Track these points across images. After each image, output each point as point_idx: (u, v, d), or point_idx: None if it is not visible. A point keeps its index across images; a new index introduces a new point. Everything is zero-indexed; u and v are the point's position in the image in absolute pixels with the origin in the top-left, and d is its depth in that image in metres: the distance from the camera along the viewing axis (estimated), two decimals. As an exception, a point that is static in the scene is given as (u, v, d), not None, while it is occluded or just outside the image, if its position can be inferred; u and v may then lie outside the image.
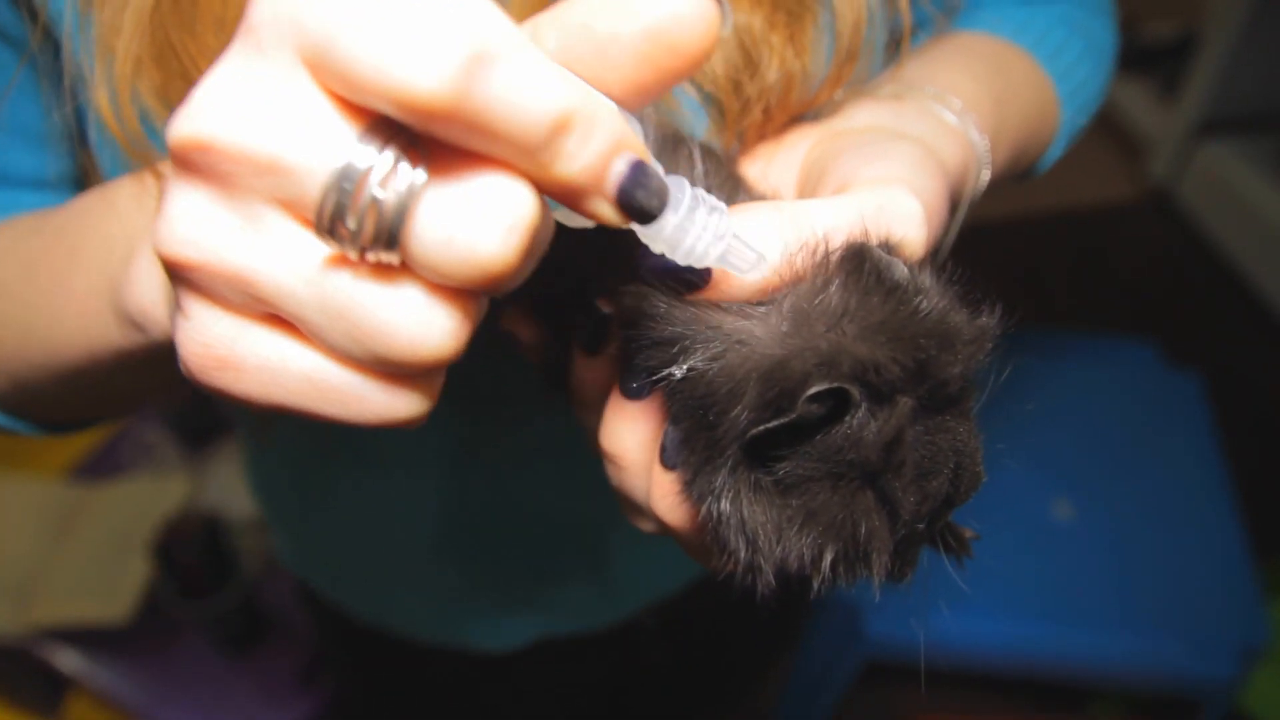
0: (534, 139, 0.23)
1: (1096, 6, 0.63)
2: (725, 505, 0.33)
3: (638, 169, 0.25)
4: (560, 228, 0.41)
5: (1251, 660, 1.42)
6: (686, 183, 0.29)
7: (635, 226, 0.28)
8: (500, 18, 0.23)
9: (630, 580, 0.75)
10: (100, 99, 0.42)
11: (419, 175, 0.23)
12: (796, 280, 0.33)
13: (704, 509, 0.34)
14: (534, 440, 0.61)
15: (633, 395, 0.37)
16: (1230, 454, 1.63)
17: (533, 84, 0.22)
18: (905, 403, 0.31)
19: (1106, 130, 2.93)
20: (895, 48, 0.52)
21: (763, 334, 0.32)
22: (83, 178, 0.50)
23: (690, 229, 0.29)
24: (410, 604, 0.75)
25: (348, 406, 0.27)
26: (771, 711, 1.63)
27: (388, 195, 0.23)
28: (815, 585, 0.34)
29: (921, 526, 0.34)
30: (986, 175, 0.49)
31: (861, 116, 0.45)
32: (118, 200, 0.42)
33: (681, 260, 0.30)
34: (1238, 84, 2.57)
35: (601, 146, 0.24)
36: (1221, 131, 2.62)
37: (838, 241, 0.33)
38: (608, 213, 0.26)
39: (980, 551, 1.47)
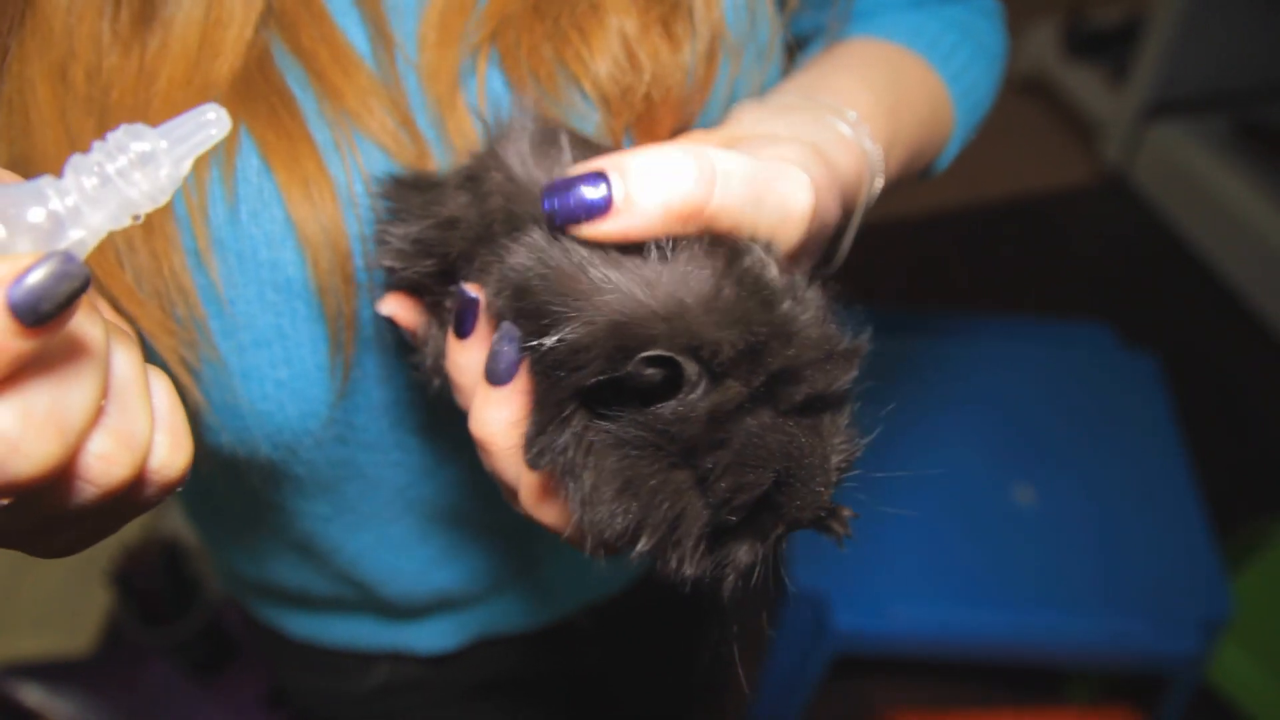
0: None
1: (984, 9, 0.65)
2: (565, 459, 0.34)
3: None
4: (424, 210, 0.42)
5: (1215, 634, 1.44)
6: (43, 182, 0.27)
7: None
8: None
9: (563, 582, 0.75)
10: None
11: None
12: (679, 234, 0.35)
13: (545, 463, 0.35)
14: (451, 444, 0.61)
15: (498, 379, 0.37)
16: (1188, 431, 1.65)
17: None
18: (732, 385, 0.32)
19: (1059, 115, 2.96)
20: (793, 55, 0.53)
21: (620, 305, 0.33)
22: None
23: (80, 211, 0.28)
24: (345, 618, 0.75)
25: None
26: (745, 709, 1.63)
27: None
28: (633, 556, 0.34)
29: (734, 520, 0.34)
30: (880, 183, 0.50)
31: (757, 126, 0.46)
32: None
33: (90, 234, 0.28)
34: (1185, 66, 2.60)
35: None
36: (1172, 113, 2.65)
37: (734, 184, 0.36)
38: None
39: (942, 539, 1.48)
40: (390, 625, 0.74)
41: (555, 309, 0.33)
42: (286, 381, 0.50)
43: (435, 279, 0.43)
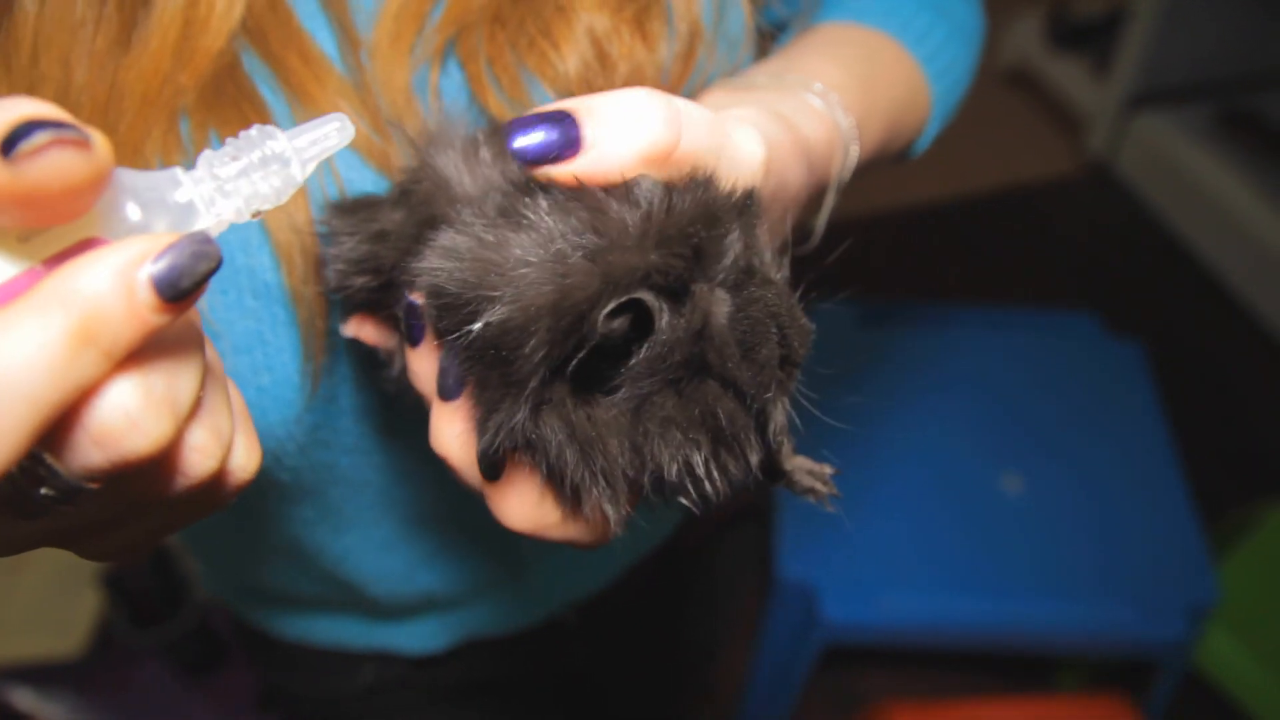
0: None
1: None
2: (530, 433, 0.34)
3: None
4: (355, 228, 0.43)
5: (1203, 620, 1.45)
6: (177, 171, 0.29)
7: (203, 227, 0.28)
8: None
9: (549, 583, 0.75)
10: None
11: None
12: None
13: (501, 442, 0.34)
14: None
15: (448, 394, 0.37)
16: (1174, 418, 1.66)
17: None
18: (700, 288, 0.33)
19: (1044, 107, 2.97)
20: (766, 43, 0.53)
21: (538, 275, 0.32)
22: None
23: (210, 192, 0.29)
24: (331, 618, 0.75)
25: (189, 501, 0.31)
26: (735, 701, 1.64)
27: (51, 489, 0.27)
28: (707, 491, 0.35)
29: (770, 395, 0.35)
30: (855, 151, 0.50)
31: (724, 104, 0.46)
32: None
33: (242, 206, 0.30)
34: (1168, 56, 2.61)
35: (107, 347, 0.25)
36: (1155, 103, 2.66)
37: (700, 128, 0.36)
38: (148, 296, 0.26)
39: (931, 528, 1.49)
40: (376, 625, 0.74)
41: (474, 296, 0.33)
42: (268, 388, 0.50)
43: (382, 293, 0.43)
